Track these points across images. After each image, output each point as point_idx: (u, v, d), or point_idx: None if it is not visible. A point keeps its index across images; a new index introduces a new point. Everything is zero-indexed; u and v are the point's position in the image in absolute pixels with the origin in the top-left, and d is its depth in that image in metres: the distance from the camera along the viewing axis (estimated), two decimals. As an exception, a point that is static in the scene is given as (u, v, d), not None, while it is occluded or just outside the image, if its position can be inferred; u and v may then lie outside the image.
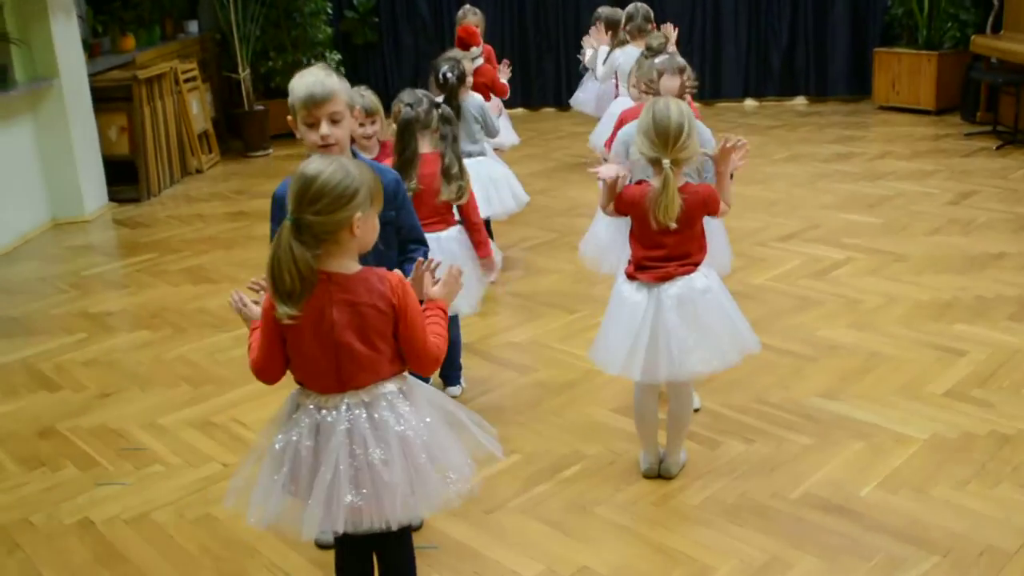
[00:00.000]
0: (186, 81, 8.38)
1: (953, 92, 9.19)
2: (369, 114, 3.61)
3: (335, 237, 2.13)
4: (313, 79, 2.57)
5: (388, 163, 3.54)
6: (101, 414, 4.14)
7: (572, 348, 4.50)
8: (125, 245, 6.67)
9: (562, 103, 10.43)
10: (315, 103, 2.55)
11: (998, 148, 7.92)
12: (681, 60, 3.61)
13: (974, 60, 8.84)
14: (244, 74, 9.02)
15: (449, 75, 4.73)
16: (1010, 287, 4.99)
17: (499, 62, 6.45)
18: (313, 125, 2.59)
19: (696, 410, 3.80)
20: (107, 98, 7.42)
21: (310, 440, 2.20)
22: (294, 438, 2.22)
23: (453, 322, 3.84)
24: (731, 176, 3.23)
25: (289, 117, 2.71)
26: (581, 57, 7.49)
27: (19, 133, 6.80)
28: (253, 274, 5.89)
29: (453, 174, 3.69)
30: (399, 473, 2.17)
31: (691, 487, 3.33)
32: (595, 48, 7.26)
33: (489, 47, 6.92)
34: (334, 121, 2.59)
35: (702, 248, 3.15)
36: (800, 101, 10.32)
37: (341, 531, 2.18)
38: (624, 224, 3.29)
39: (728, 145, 3.15)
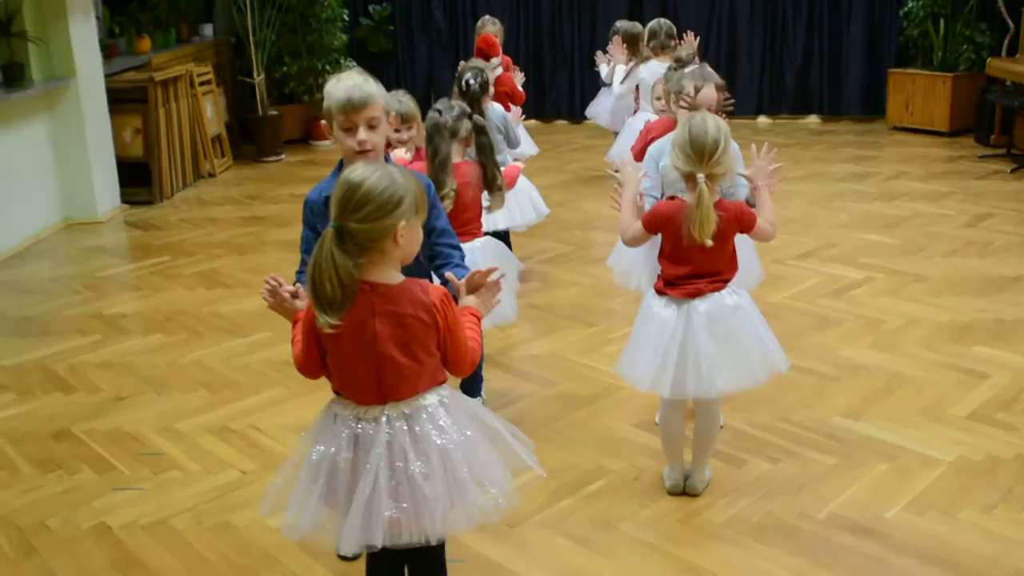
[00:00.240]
0: (201, 84, 8.37)
1: (967, 114, 9.18)
2: (405, 120, 3.60)
3: (378, 246, 2.09)
4: (351, 84, 2.56)
5: (420, 168, 3.52)
6: (117, 417, 4.10)
7: (592, 362, 4.48)
8: (138, 247, 6.64)
9: (575, 116, 10.45)
10: (353, 108, 2.53)
11: (1012, 171, 7.91)
12: (715, 74, 3.59)
13: (989, 82, 8.84)
14: (259, 79, 9.01)
15: (472, 83, 4.70)
16: (1030, 310, 4.98)
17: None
18: (350, 130, 2.57)
19: (719, 427, 3.78)
20: (122, 99, 7.41)
21: (348, 452, 2.17)
22: (332, 450, 2.19)
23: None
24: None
25: (323, 122, 2.69)
26: (599, 70, 7.49)
27: (34, 132, 6.79)
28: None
29: (496, 184, 3.68)
30: (439, 487, 2.14)
31: (716, 505, 3.29)
32: (612, 63, 7.26)
33: (507, 57, 6.93)
34: (371, 126, 2.57)
35: (733, 266, 3.13)
36: (813, 120, 10.31)
37: (380, 545, 2.14)
38: (653, 239, 3.27)
39: (762, 154, 3.15)
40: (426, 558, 2.39)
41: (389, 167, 2.14)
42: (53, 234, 6.92)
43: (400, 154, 3.80)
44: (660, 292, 3.13)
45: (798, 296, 5.21)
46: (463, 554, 3.02)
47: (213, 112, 8.66)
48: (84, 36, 6.98)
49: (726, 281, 3.09)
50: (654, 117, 4.97)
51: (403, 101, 3.62)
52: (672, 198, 3.12)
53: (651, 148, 3.64)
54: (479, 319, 2.37)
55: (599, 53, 7.60)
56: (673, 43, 5.69)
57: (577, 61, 10.38)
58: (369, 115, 2.55)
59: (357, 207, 2.05)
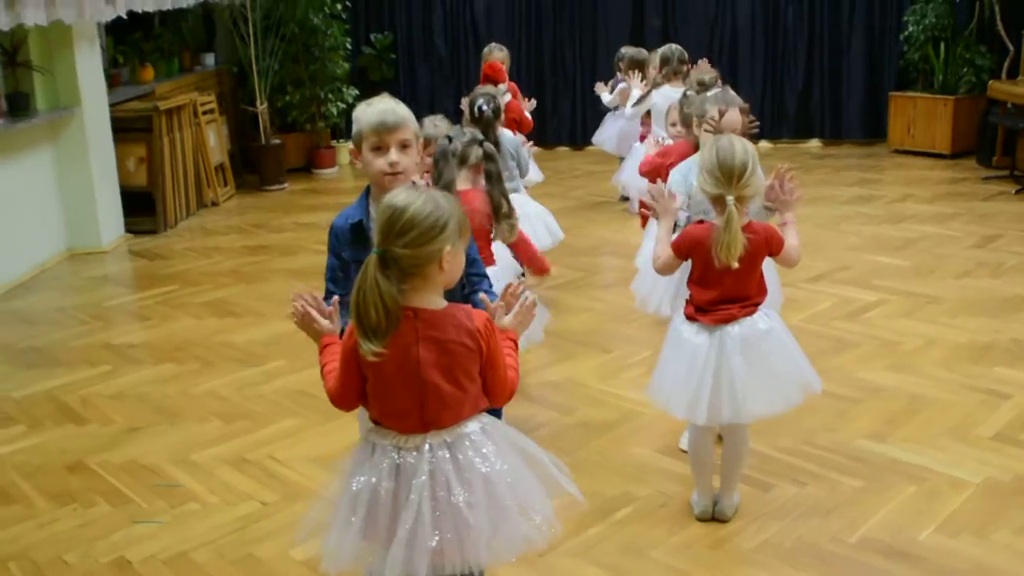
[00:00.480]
0: (204, 113, 8.35)
1: (968, 136, 9.21)
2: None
3: (423, 271, 2.06)
4: (384, 107, 2.56)
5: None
6: (131, 449, 4.04)
7: (611, 388, 4.44)
8: (144, 277, 6.59)
9: (577, 142, 10.46)
10: (386, 129, 2.52)
11: (1017, 192, 7.92)
12: (738, 97, 3.58)
13: (990, 105, 8.87)
14: (262, 108, 9.00)
15: (485, 108, 4.69)
16: (1047, 331, 4.95)
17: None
18: (381, 150, 2.54)
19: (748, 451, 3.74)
20: (126, 128, 7.37)
21: (390, 482, 2.12)
22: (373, 480, 2.14)
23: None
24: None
25: (351, 147, 2.67)
26: (601, 97, 7.50)
27: (39, 162, 6.75)
28: (279, 308, 5.88)
29: (503, 213, 3.64)
30: (483, 516, 2.10)
31: (746, 530, 3.25)
32: (616, 86, 7.29)
33: (513, 84, 6.94)
34: (403, 147, 2.55)
35: (762, 290, 3.11)
36: (815, 144, 10.33)
37: (423, 576, 2.10)
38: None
39: (781, 172, 3.15)
40: (465, 588, 2.33)
41: (432, 191, 2.12)
42: (57, 264, 6.87)
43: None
44: (691, 318, 3.10)
45: (813, 319, 5.18)
46: (493, 584, 2.96)
47: (216, 141, 8.64)
48: (89, 65, 6.96)
49: (757, 305, 3.07)
50: (668, 142, 4.96)
51: (439, 125, 3.60)
52: (700, 222, 3.11)
53: (674, 173, 3.62)
54: (516, 344, 2.33)
55: (599, 84, 7.61)
56: (685, 68, 5.70)
57: (579, 87, 10.39)
58: (401, 137, 2.54)
59: (402, 232, 2.02)
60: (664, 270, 3.18)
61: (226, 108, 9.26)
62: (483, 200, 3.77)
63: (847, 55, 10.01)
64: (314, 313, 2.33)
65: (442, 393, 2.12)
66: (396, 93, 11.43)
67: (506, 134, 5.15)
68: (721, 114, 3.42)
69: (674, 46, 5.78)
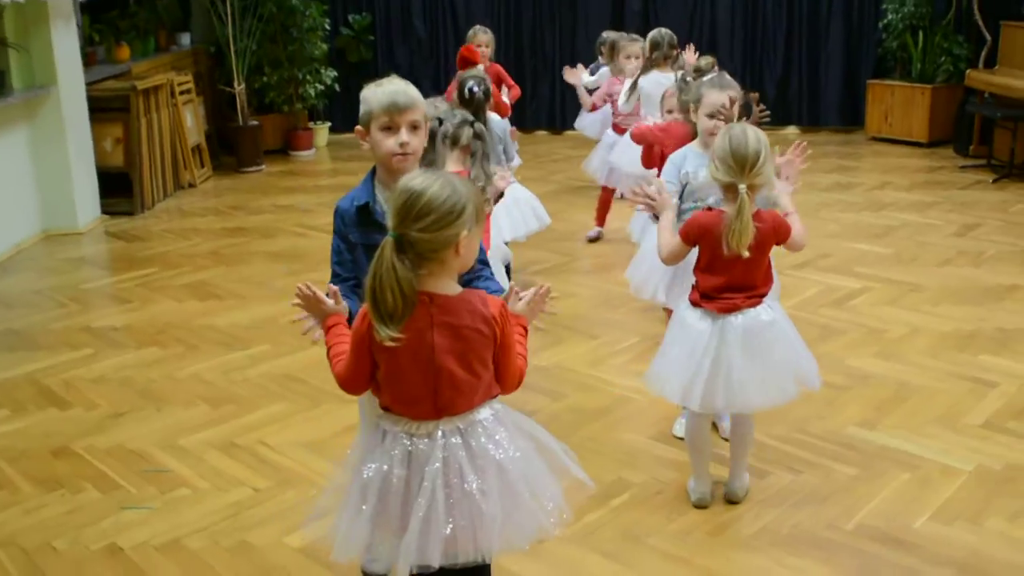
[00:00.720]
0: (182, 93, 8.23)
1: (945, 125, 9.27)
2: None
3: (439, 256, 2.03)
4: (394, 88, 2.53)
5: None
6: (117, 433, 3.98)
7: (600, 373, 4.43)
8: (122, 259, 6.50)
9: (556, 126, 10.43)
10: (398, 109, 2.49)
11: (994, 181, 7.98)
12: (735, 83, 3.58)
13: (967, 94, 8.93)
14: (239, 88, 8.88)
15: (476, 90, 4.63)
16: (1029, 319, 5.00)
17: (513, 80, 6.41)
18: (391, 130, 2.51)
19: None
20: (103, 108, 7.25)
21: (402, 469, 2.10)
22: (385, 467, 2.11)
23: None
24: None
25: (358, 128, 2.63)
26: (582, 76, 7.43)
27: (14, 141, 6.62)
28: (261, 291, 5.82)
29: (484, 195, 3.61)
30: (496, 503, 2.08)
31: (744, 517, 3.25)
32: (591, 68, 7.28)
33: (498, 66, 6.89)
34: (413, 128, 2.52)
35: (768, 279, 3.12)
36: (792, 130, 10.36)
37: (437, 565, 2.07)
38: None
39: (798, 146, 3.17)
40: (474, 576, 2.31)
41: (448, 174, 2.08)
42: (33, 245, 6.76)
43: None
44: (695, 304, 3.10)
45: (800, 306, 5.19)
46: (493, 571, 2.94)
47: (193, 122, 8.52)
48: (66, 44, 6.83)
49: (762, 296, 3.08)
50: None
51: (439, 107, 3.55)
52: (709, 209, 3.11)
53: (672, 156, 3.61)
54: (526, 332, 2.32)
55: (567, 68, 7.47)
56: (675, 53, 5.67)
57: (559, 71, 10.27)
58: (411, 117, 2.51)
59: (419, 216, 1.99)
60: (671, 259, 3.18)
61: (203, 88, 9.13)
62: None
63: (826, 42, 10.04)
64: (320, 294, 2.30)
65: (456, 379, 2.09)
66: (375, 74, 11.36)
67: (494, 118, 5.10)
68: (732, 102, 3.37)
69: (664, 30, 5.75)
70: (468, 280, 2.72)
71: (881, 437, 3.80)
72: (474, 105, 4.66)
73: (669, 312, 3.54)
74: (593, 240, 6.59)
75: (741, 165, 2.88)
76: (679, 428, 3.81)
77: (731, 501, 3.32)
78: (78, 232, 6.99)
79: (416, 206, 1.99)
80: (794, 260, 5.92)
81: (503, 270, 4.60)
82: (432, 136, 3.60)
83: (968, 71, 8.82)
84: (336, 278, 2.57)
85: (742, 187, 2.88)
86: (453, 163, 3.76)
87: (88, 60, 7.53)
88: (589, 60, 8.12)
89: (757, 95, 3.61)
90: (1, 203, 6.45)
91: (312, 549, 3.06)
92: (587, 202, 7.39)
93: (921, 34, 9.24)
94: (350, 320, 2.28)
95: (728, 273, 3.02)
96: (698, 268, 3.11)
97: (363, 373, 2.16)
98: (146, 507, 3.42)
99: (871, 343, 4.72)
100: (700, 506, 3.29)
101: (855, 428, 3.87)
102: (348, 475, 2.22)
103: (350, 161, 9.44)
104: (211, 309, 5.43)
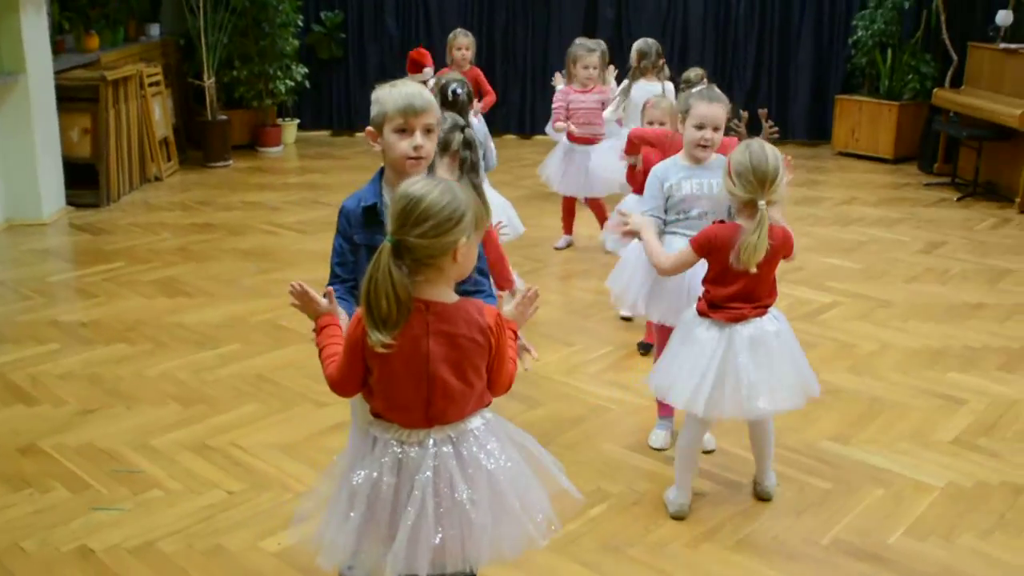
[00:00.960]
0: (150, 85, 8.12)
1: (911, 142, 9.40)
2: None
3: (437, 263, 2.02)
4: (410, 90, 2.51)
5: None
6: (86, 432, 3.91)
7: (576, 382, 4.43)
8: (88, 252, 6.39)
9: (525, 131, 10.43)
10: (414, 112, 2.47)
11: (959, 199, 8.11)
12: (723, 95, 3.61)
13: (933, 112, 9.07)
14: (209, 82, 8.78)
15: (459, 92, 4.59)
16: (995, 337, 5.07)
17: (491, 86, 6.40)
18: (406, 132, 2.49)
19: (711, 451, 3.77)
20: (72, 98, 7.12)
21: (391, 477, 2.08)
22: (374, 474, 2.09)
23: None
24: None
25: (369, 129, 2.61)
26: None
27: (-21, 129, 6.50)
28: (230, 289, 5.75)
29: None
30: (486, 512, 2.07)
31: (722, 529, 3.27)
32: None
33: (478, 70, 6.87)
34: (427, 131, 2.50)
35: (774, 291, 3.19)
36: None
37: (424, 575, 2.05)
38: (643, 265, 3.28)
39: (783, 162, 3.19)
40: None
41: (449, 182, 2.07)
42: (-5, 236, 6.64)
43: None
44: (703, 313, 3.15)
45: (771, 318, 5.22)
46: (474, 580, 2.93)
47: (161, 114, 8.41)
48: (35, 31, 6.70)
49: (767, 307, 3.14)
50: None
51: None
52: (721, 222, 3.15)
53: (655, 169, 3.62)
54: (516, 336, 2.31)
55: (558, 75, 7.48)
56: (661, 62, 5.71)
57: (529, 76, 10.36)
58: (426, 121, 2.50)
59: (418, 222, 1.97)
60: (676, 268, 3.24)
61: (171, 81, 9.01)
62: None
63: (796, 57, 10.14)
64: (312, 292, 2.28)
65: (449, 388, 2.08)
66: (345, 72, 11.26)
67: (474, 122, 5.08)
68: (742, 119, 3.41)
69: (650, 40, 5.79)
70: (471, 295, 2.71)
71: (854, 452, 3.84)
72: (458, 107, 4.64)
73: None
74: (562, 249, 6.60)
75: (761, 181, 2.92)
76: (655, 439, 3.82)
77: (763, 499, 3.42)
78: (42, 223, 6.87)
79: (415, 211, 1.97)
80: (765, 272, 5.99)
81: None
82: None
83: (935, 90, 8.95)
84: (335, 279, 2.55)
85: (762, 203, 2.92)
86: (443, 170, 3.72)
87: (57, 48, 7.40)
88: (560, 66, 8.09)
89: (766, 111, 3.64)
90: (-36, 192, 6.32)
91: (288, 554, 3.03)
92: (557, 208, 7.38)
93: (890, 51, 9.37)
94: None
95: (738, 284, 3.07)
96: (707, 279, 3.16)
97: (355, 377, 2.14)
98: (117, 508, 3.36)
99: (843, 357, 4.77)
100: (678, 517, 3.31)
101: (828, 442, 3.91)
102: (335, 482, 2.19)
103: (319, 159, 9.38)
104: (180, 306, 5.35)
